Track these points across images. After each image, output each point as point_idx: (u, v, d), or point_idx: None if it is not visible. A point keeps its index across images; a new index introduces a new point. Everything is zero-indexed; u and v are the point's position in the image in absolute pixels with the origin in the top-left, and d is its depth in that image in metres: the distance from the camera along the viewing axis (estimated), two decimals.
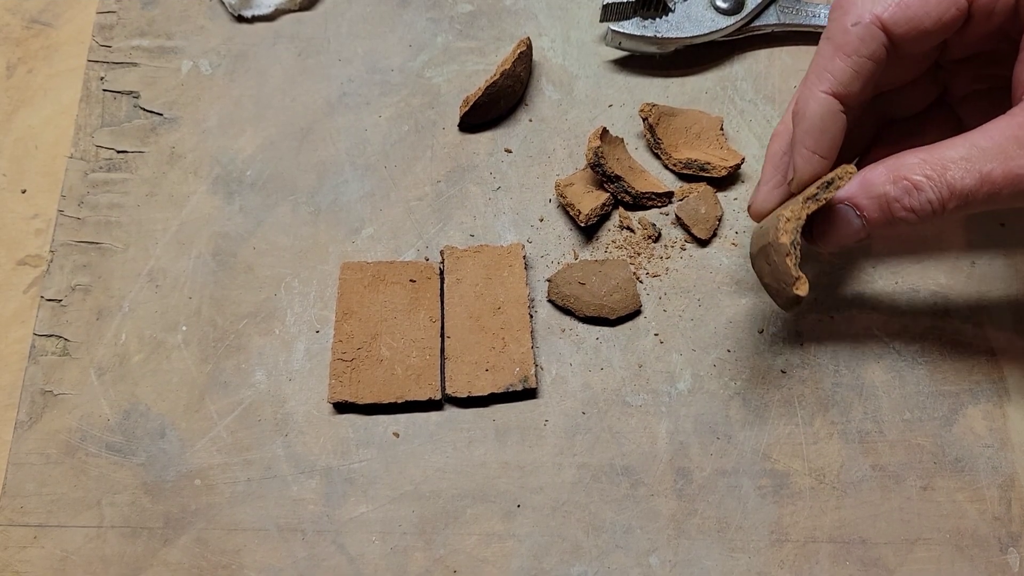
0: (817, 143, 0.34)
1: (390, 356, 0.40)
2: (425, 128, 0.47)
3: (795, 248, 0.32)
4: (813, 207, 0.32)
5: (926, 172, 0.30)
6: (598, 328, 0.42)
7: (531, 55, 0.47)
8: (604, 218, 0.44)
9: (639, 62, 0.49)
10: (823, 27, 0.43)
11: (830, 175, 0.33)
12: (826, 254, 0.44)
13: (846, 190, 0.33)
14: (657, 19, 0.46)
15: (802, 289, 0.32)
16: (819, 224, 0.34)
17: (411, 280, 0.42)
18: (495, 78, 0.44)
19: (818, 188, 0.33)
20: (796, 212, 0.32)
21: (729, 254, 0.44)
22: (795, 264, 0.32)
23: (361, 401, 0.39)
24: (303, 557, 0.37)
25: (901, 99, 0.39)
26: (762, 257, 0.34)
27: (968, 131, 0.31)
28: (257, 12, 0.49)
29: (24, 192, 0.46)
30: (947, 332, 0.42)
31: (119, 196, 0.45)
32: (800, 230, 0.32)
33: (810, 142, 0.34)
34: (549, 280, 0.42)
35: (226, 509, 0.38)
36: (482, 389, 0.39)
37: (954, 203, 0.30)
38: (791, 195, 0.36)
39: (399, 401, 0.39)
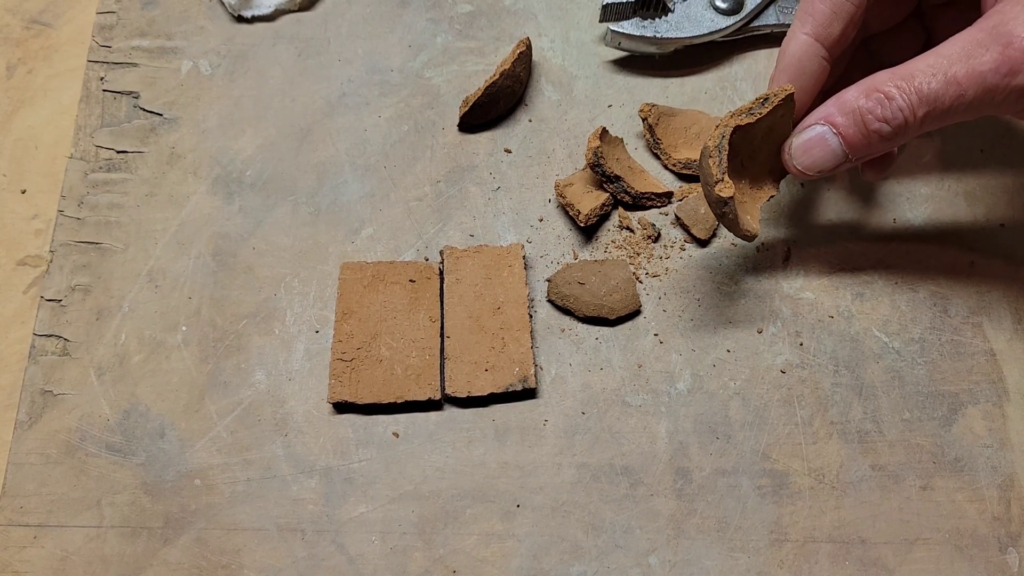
0: (791, 81, 0.35)
1: (390, 356, 0.40)
2: (425, 128, 0.47)
3: (720, 152, 0.33)
4: (746, 120, 0.34)
5: (896, 83, 0.32)
6: (598, 328, 0.42)
7: (531, 55, 0.47)
8: (604, 218, 0.44)
9: (638, 62, 0.49)
10: None
11: (768, 92, 0.34)
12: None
13: (822, 110, 0.34)
14: (657, 19, 0.46)
15: (725, 191, 0.33)
16: (798, 147, 0.35)
17: (411, 280, 0.42)
18: (495, 78, 0.44)
19: (753, 103, 0.34)
20: (726, 121, 0.34)
21: (729, 254, 0.44)
22: (718, 166, 0.33)
23: (361, 401, 0.39)
24: (303, 557, 0.38)
25: (889, 45, 0.40)
26: (699, 172, 0.36)
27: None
28: (257, 12, 0.49)
29: (24, 192, 0.46)
30: (946, 332, 0.42)
31: (119, 196, 0.45)
32: (727, 137, 0.34)
33: (785, 79, 0.35)
34: (549, 280, 0.43)
35: (226, 509, 0.38)
36: (482, 389, 0.39)
37: (924, 108, 0.31)
38: None
39: (399, 401, 0.39)
